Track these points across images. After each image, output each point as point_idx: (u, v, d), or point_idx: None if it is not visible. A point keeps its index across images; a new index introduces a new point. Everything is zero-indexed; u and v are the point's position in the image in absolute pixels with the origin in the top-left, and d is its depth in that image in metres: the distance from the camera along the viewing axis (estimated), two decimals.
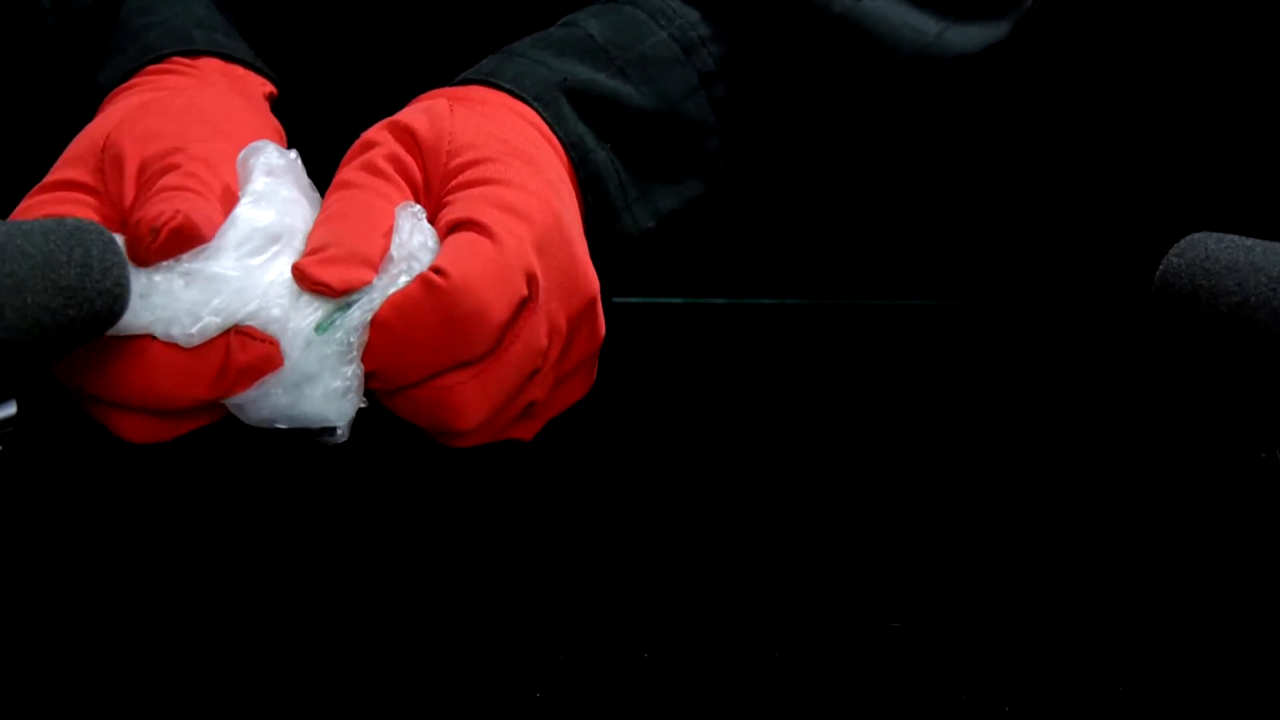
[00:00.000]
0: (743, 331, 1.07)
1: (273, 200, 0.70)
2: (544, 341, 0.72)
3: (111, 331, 0.65)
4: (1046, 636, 0.84)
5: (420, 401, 0.70)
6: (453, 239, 0.70)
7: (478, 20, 0.92)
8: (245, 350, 0.67)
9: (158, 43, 0.80)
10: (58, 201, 0.71)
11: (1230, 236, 0.66)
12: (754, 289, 1.09)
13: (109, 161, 0.72)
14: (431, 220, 0.72)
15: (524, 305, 0.70)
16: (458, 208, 0.71)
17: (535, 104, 0.79)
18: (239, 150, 0.72)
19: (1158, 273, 0.67)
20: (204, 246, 0.67)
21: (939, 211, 1.10)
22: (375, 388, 0.70)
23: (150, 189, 0.69)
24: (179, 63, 0.80)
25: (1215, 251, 0.65)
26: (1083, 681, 0.81)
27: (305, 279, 0.68)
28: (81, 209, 0.70)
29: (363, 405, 0.69)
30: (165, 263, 0.67)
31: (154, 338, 0.67)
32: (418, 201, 0.73)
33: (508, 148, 0.74)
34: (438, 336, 0.68)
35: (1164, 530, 0.91)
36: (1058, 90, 1.05)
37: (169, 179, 0.69)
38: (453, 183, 0.73)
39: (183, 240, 0.67)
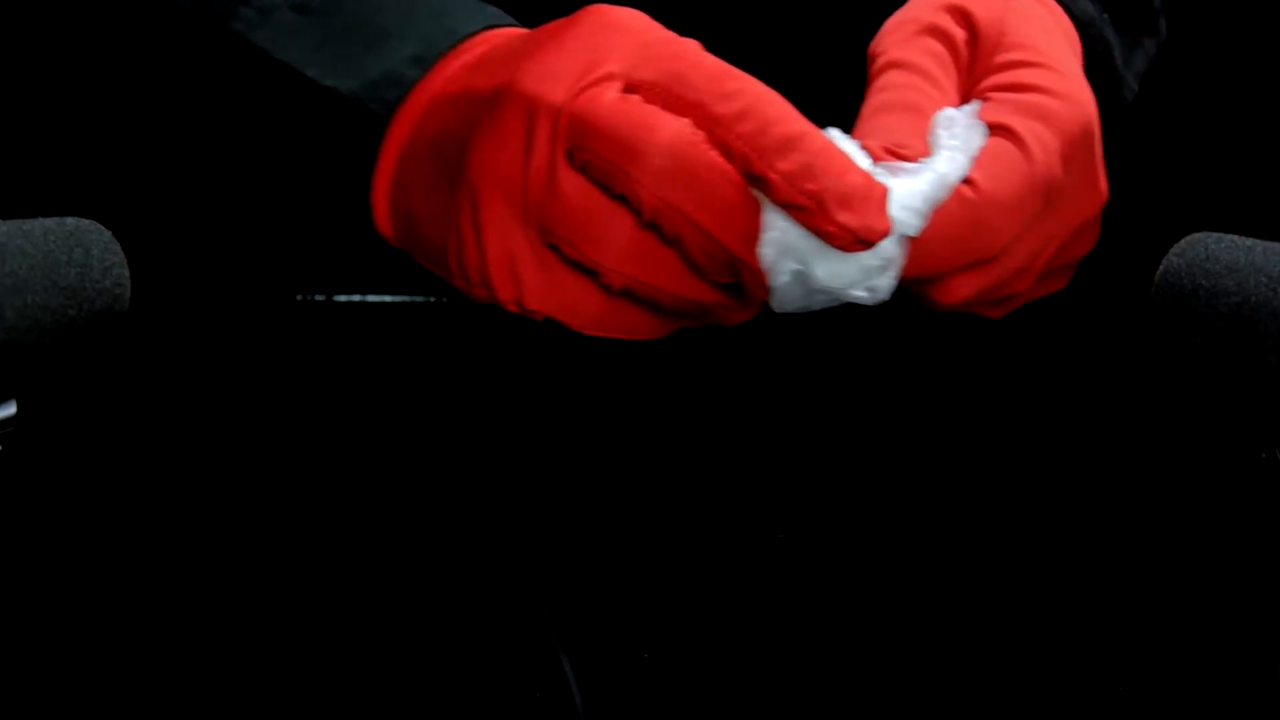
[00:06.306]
0: (743, 330, 1.07)
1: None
2: (1043, 247, 0.75)
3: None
4: (1047, 636, 0.84)
5: (912, 286, 0.74)
6: (989, 148, 0.72)
7: None
8: None
9: None
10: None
11: (1230, 236, 0.66)
12: None
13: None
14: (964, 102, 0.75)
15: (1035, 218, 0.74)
16: (995, 109, 0.74)
17: None
18: None
19: (1158, 273, 0.67)
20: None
21: None
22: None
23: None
24: None
25: (1215, 251, 0.65)
26: (1083, 681, 0.81)
27: None
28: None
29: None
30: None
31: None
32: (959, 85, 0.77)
33: (1056, 49, 0.76)
34: (959, 244, 0.71)
35: (1164, 530, 0.91)
36: None
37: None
38: (994, 79, 0.75)
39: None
